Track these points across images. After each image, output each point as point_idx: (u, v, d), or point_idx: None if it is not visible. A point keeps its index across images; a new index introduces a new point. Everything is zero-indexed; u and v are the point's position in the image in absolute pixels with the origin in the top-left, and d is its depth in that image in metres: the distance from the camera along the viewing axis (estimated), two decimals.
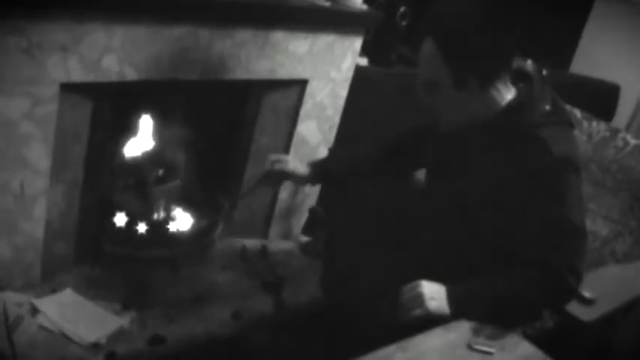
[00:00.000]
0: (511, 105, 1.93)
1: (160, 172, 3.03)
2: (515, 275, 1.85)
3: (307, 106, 3.10)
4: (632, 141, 2.56)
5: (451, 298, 1.85)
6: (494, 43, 1.84)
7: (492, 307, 1.84)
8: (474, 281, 1.87)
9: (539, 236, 1.84)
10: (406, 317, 1.84)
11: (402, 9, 3.48)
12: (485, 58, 1.86)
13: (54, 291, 2.52)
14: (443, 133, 2.05)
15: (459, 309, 1.84)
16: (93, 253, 2.72)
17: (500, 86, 1.92)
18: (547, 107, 1.94)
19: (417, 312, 1.82)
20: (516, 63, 1.97)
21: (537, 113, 1.92)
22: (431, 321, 1.81)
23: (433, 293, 1.85)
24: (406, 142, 2.39)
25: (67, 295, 2.52)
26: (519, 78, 1.98)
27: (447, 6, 1.92)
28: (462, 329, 1.78)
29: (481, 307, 1.84)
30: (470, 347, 1.72)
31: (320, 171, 2.42)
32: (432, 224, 2.04)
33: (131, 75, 2.38)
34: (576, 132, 2.14)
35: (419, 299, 1.83)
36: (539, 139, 1.85)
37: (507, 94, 1.94)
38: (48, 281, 2.55)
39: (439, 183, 2.11)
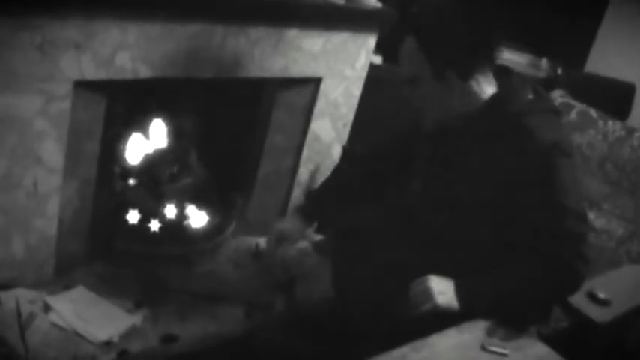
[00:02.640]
0: (493, 97, 1.95)
1: (174, 169, 3.03)
2: (522, 267, 1.86)
3: (321, 104, 3.10)
4: None
5: (460, 292, 1.86)
6: (472, 36, 1.87)
7: (501, 300, 1.85)
8: (482, 275, 1.87)
9: (538, 226, 1.84)
10: (415, 312, 1.85)
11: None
12: (462, 50, 1.89)
13: (67, 288, 2.52)
14: (431, 135, 2.09)
15: (468, 303, 1.84)
16: (106, 251, 2.72)
17: (480, 78, 1.94)
18: (530, 96, 1.96)
19: (426, 306, 1.84)
20: (501, 59, 2.00)
21: (520, 102, 1.94)
22: (440, 316, 1.82)
23: (441, 288, 1.86)
24: (394, 147, 2.41)
25: (80, 292, 2.52)
26: (501, 73, 1.99)
27: (426, 3, 1.97)
28: (475, 330, 1.78)
29: (490, 301, 1.85)
30: (484, 348, 1.72)
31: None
32: (436, 225, 2.04)
33: (145, 72, 2.38)
34: (564, 119, 2.16)
35: (427, 293, 1.85)
36: (524, 128, 1.86)
37: (488, 87, 1.95)
38: (61, 278, 2.55)
39: (435, 185, 2.10)
